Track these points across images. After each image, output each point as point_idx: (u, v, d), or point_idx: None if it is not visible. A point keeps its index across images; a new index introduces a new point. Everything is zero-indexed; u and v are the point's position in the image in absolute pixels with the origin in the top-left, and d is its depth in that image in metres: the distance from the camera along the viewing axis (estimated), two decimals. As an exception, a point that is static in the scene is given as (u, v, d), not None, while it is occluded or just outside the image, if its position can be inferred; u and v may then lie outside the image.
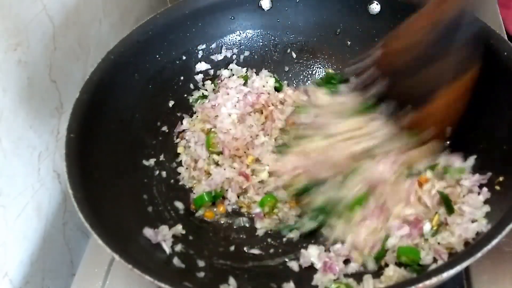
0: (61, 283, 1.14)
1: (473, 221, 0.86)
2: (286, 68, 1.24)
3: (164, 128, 1.13)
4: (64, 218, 1.16)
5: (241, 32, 1.21)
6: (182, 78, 1.18)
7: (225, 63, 1.22)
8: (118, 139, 1.04)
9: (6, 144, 0.96)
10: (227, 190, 1.03)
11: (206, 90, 1.19)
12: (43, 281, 1.09)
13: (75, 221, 1.18)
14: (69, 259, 1.18)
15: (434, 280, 0.70)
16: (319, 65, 1.24)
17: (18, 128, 0.99)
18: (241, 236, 1.00)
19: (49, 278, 1.11)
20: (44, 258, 1.09)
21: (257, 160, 1.06)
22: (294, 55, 1.24)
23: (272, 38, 1.23)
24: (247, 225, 1.01)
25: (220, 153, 1.07)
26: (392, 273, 0.85)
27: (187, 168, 1.09)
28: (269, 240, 0.98)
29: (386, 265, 0.87)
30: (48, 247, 1.10)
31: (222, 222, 1.02)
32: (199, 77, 1.19)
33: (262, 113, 1.14)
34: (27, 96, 0.99)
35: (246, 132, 1.09)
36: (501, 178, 0.88)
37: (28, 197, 1.04)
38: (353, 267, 0.89)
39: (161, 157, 1.10)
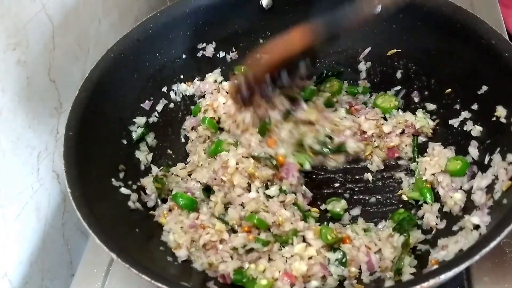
0: (60, 284, 1.14)
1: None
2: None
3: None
4: (63, 218, 1.15)
5: (241, 30, 1.21)
6: (182, 76, 1.17)
7: (225, 61, 1.21)
8: (118, 137, 1.04)
9: (5, 144, 0.95)
10: None
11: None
12: (42, 282, 1.09)
13: (74, 222, 1.18)
14: (69, 259, 1.18)
15: (432, 282, 0.70)
16: (320, 64, 1.23)
17: (17, 128, 0.99)
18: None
19: (48, 278, 1.11)
20: (43, 258, 1.09)
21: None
22: (294, 54, 1.24)
23: (273, 36, 1.22)
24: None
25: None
26: None
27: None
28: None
29: None
30: (47, 248, 1.10)
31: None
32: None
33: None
34: (26, 96, 0.99)
35: None
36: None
37: (27, 197, 1.03)
38: None
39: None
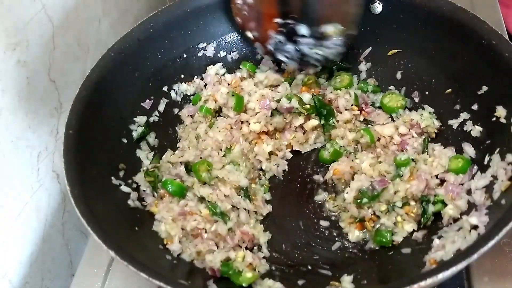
0: (60, 284, 1.14)
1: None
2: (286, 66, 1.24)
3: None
4: (63, 218, 1.15)
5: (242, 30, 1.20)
6: (182, 76, 1.17)
7: (225, 61, 1.21)
8: (118, 136, 1.03)
9: (5, 144, 0.95)
10: None
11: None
12: (42, 282, 1.09)
13: (74, 222, 1.18)
14: (69, 259, 1.18)
15: (429, 281, 0.70)
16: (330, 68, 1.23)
17: (17, 128, 0.99)
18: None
19: (48, 278, 1.11)
20: (43, 258, 1.09)
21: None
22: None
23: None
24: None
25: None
26: None
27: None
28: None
29: None
30: (47, 248, 1.10)
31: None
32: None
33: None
34: (26, 96, 0.99)
35: None
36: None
37: (27, 197, 1.03)
38: None
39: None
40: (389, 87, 1.16)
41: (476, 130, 0.99)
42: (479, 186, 0.91)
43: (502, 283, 0.92)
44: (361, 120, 1.13)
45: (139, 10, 1.45)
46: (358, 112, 1.13)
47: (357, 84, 1.18)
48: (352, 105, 1.13)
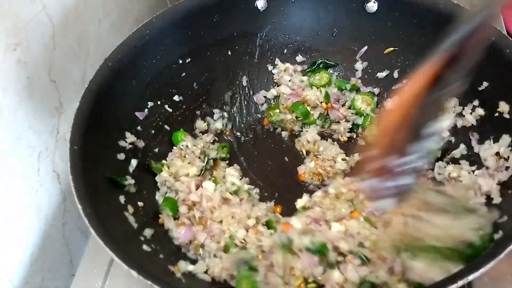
0: (60, 284, 1.14)
1: None
2: (284, 68, 1.23)
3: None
4: (64, 218, 1.15)
5: (237, 33, 1.20)
6: (178, 82, 1.16)
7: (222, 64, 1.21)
8: (119, 148, 1.03)
9: (5, 144, 0.95)
10: None
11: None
12: (43, 282, 1.09)
13: (74, 221, 1.18)
14: (69, 259, 1.18)
15: (460, 283, 0.69)
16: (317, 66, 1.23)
17: (18, 128, 0.99)
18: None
19: (49, 278, 1.11)
20: (44, 258, 1.09)
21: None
22: (290, 56, 1.23)
23: (268, 38, 1.22)
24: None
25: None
26: None
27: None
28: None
29: None
30: (47, 248, 1.10)
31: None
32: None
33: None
34: (26, 96, 0.99)
35: None
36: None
37: (27, 197, 1.03)
38: None
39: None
40: (387, 86, 1.16)
41: (477, 126, 1.00)
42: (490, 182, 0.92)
43: (502, 283, 0.92)
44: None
45: (139, 10, 1.45)
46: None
47: (335, 82, 1.19)
48: (321, 102, 1.16)
